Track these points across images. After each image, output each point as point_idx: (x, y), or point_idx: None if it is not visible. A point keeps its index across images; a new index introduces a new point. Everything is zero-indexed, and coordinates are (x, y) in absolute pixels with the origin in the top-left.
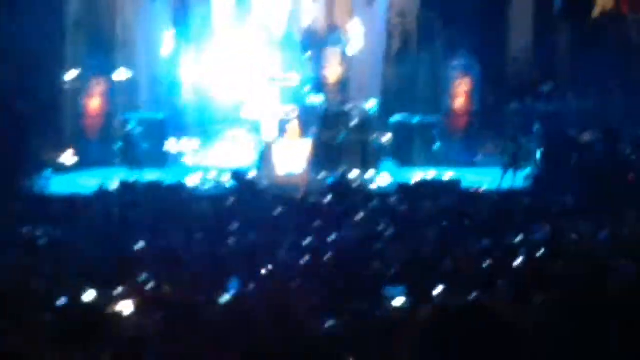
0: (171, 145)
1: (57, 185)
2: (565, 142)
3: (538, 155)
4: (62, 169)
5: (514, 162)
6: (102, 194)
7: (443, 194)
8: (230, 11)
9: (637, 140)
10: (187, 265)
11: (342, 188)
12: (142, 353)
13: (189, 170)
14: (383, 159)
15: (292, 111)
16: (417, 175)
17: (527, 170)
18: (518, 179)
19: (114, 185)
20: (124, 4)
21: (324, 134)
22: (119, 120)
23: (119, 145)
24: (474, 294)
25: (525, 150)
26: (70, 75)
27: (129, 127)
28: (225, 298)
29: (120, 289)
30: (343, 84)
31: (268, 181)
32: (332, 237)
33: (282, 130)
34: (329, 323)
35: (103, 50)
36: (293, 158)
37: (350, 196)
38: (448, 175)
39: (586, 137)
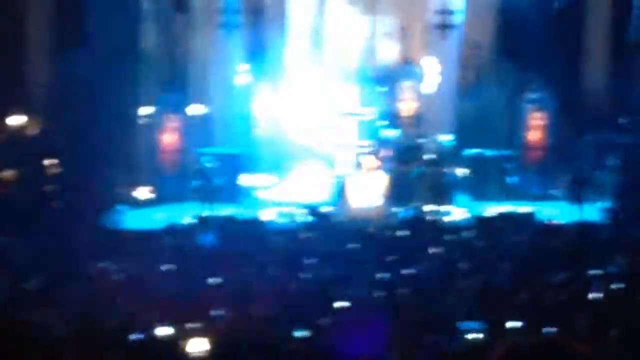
0: (246, 180)
1: (132, 220)
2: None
3: (614, 187)
4: (137, 204)
5: (580, 194)
6: (176, 229)
7: (519, 227)
8: (305, 45)
9: None
10: (263, 300)
11: (417, 222)
12: None
13: (264, 205)
14: (458, 193)
15: (367, 145)
16: (492, 209)
17: (604, 203)
18: (588, 211)
19: (189, 220)
20: (198, 39)
21: (399, 167)
22: (193, 155)
23: (194, 180)
24: (549, 329)
25: (596, 182)
26: (146, 111)
27: (204, 162)
28: (301, 333)
29: (194, 325)
30: (418, 118)
31: (344, 215)
32: (408, 271)
33: (357, 165)
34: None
35: (177, 85)
36: (368, 192)
37: (425, 230)
38: (523, 208)
39: None
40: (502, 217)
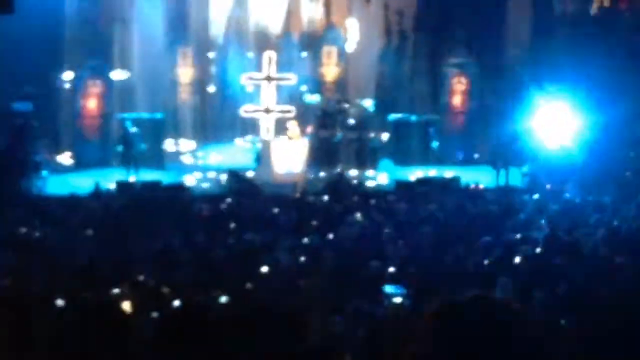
0: (169, 145)
1: (54, 185)
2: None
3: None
4: (59, 169)
5: (502, 159)
6: (99, 194)
7: (442, 191)
8: (227, 10)
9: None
10: (185, 265)
11: (340, 187)
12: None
13: (186, 170)
14: (381, 158)
15: (290, 110)
16: (415, 173)
17: (525, 168)
18: (510, 175)
19: (111, 185)
20: (122, 5)
21: (322, 132)
22: (116, 121)
23: (117, 146)
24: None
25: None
26: (67, 76)
27: (127, 127)
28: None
29: (118, 289)
30: (340, 83)
31: (267, 180)
32: (330, 236)
33: (280, 130)
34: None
35: (99, 51)
36: (291, 157)
37: (349, 195)
38: (447, 173)
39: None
40: (425, 181)
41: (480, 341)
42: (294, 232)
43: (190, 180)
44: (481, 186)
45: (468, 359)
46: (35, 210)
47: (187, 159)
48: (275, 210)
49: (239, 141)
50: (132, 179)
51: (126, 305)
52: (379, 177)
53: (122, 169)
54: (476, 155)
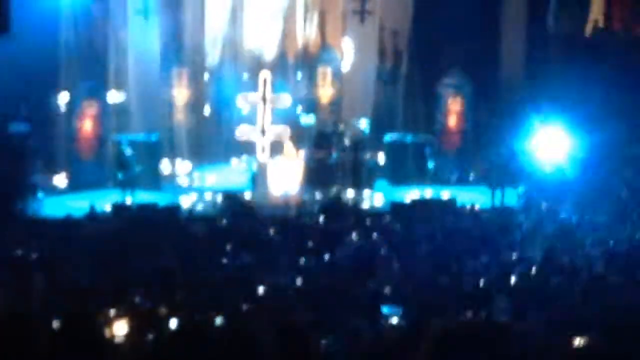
0: (164, 166)
1: (50, 207)
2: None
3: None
4: (54, 191)
5: (498, 179)
6: (95, 216)
7: (437, 212)
8: (222, 31)
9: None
10: (181, 286)
11: (335, 207)
12: None
13: (182, 191)
14: (376, 178)
15: (285, 131)
16: (410, 194)
17: (520, 188)
18: (505, 196)
19: (107, 207)
20: (116, 27)
21: (317, 153)
22: (112, 142)
23: (113, 167)
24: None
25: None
26: (63, 98)
27: (123, 149)
28: (220, 320)
29: (114, 310)
30: (335, 104)
31: (261, 201)
32: (326, 256)
33: (276, 151)
34: (326, 340)
35: (95, 72)
36: (286, 178)
37: (344, 215)
38: (442, 193)
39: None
40: (421, 202)
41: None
42: (289, 252)
43: (186, 201)
44: (477, 206)
45: None
46: (32, 231)
47: (182, 180)
48: (271, 231)
49: (234, 162)
50: (128, 200)
51: (122, 327)
52: (374, 198)
53: (117, 190)
54: (472, 176)
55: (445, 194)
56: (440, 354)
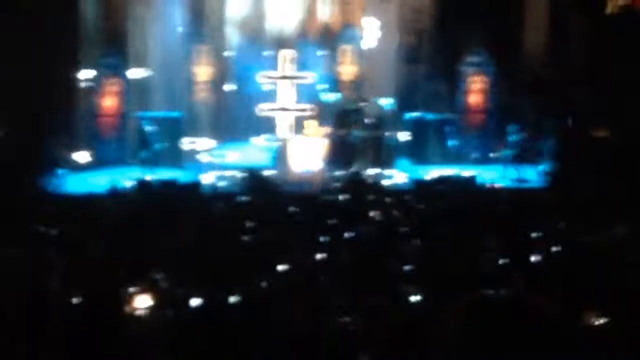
0: (186, 144)
1: (71, 184)
2: (581, 138)
3: (553, 151)
4: (76, 168)
5: (520, 158)
6: (116, 193)
7: (459, 191)
8: (245, 7)
9: None
10: (202, 263)
11: (357, 185)
12: (156, 352)
13: (204, 168)
14: (398, 157)
15: (308, 109)
16: (432, 172)
17: (544, 167)
18: (527, 173)
19: (128, 183)
20: (137, 3)
21: (339, 131)
22: (133, 119)
23: (134, 144)
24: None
25: (536, 146)
26: (85, 74)
27: (144, 126)
28: (238, 298)
29: (134, 288)
30: (358, 82)
31: (283, 178)
32: (348, 234)
33: (298, 128)
34: (347, 320)
35: (117, 48)
36: (308, 156)
37: (366, 194)
38: (464, 172)
39: (602, 132)
40: (443, 180)
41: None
42: (311, 230)
43: (207, 178)
44: (498, 185)
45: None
46: (53, 208)
47: (204, 158)
48: (292, 208)
49: (256, 140)
50: (149, 177)
51: (142, 304)
52: (396, 176)
53: (139, 168)
54: (494, 154)
55: (467, 173)
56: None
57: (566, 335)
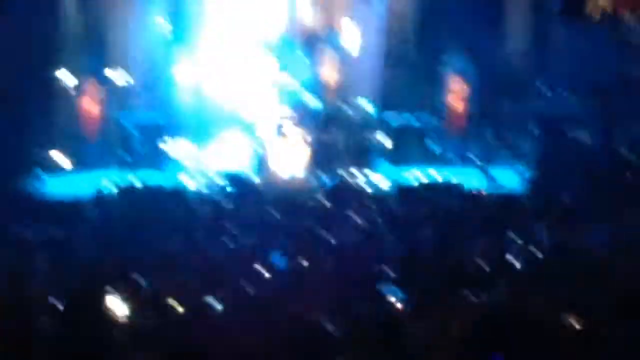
0: (168, 147)
1: (52, 187)
2: (563, 142)
3: (535, 156)
4: (57, 170)
5: (500, 162)
6: (98, 196)
7: (440, 194)
8: (226, 9)
9: (634, 139)
10: (185, 268)
11: (339, 189)
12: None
13: (185, 172)
14: (380, 160)
15: (289, 113)
16: (414, 175)
17: (525, 172)
18: (508, 179)
19: (110, 187)
20: (118, 3)
21: (322, 135)
22: (114, 121)
23: (115, 147)
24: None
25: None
26: (66, 76)
27: (125, 128)
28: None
29: (116, 292)
30: (340, 86)
31: (266, 183)
32: (331, 239)
33: (279, 132)
34: (329, 323)
35: (98, 50)
36: (291, 160)
37: (348, 197)
38: (445, 175)
39: (583, 137)
40: (424, 184)
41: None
42: (293, 235)
43: (189, 182)
44: (482, 190)
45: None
46: (34, 211)
47: (186, 161)
48: (276, 213)
49: (238, 144)
50: (132, 181)
51: (124, 308)
52: (379, 180)
53: (121, 170)
54: (475, 158)
55: (449, 176)
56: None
57: (549, 338)
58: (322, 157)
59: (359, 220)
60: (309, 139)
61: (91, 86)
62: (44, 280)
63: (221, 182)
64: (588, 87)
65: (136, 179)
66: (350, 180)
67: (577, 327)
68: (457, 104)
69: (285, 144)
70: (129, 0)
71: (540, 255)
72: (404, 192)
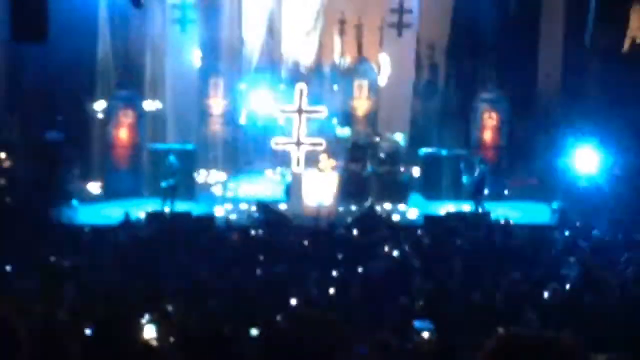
0: (200, 176)
1: (84, 215)
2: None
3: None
4: (89, 199)
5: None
6: (129, 224)
7: (471, 227)
8: (259, 42)
9: None
10: (214, 296)
11: (369, 220)
12: None
13: (217, 201)
14: (411, 192)
15: (321, 143)
16: (445, 208)
17: (556, 204)
18: (540, 211)
19: (141, 215)
20: (153, 36)
21: (352, 166)
22: (147, 151)
23: (148, 176)
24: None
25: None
26: (99, 106)
27: (159, 158)
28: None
29: (146, 318)
30: (371, 116)
31: (296, 212)
32: (359, 269)
33: (311, 162)
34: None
35: (132, 81)
36: (321, 189)
37: (378, 228)
38: (475, 207)
39: (614, 170)
40: (454, 216)
41: None
42: (323, 264)
43: (220, 211)
44: (511, 221)
45: None
46: (66, 239)
47: (217, 190)
48: (305, 242)
49: (269, 173)
50: (167, 209)
51: (153, 335)
52: (408, 211)
53: (158, 199)
54: (506, 191)
55: (479, 208)
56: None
57: None
58: (352, 188)
59: (387, 250)
60: (340, 169)
61: (124, 115)
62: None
63: (251, 210)
64: (620, 120)
65: (171, 207)
66: (379, 210)
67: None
68: (489, 136)
69: (317, 174)
70: (163, 32)
71: (570, 289)
72: (434, 223)
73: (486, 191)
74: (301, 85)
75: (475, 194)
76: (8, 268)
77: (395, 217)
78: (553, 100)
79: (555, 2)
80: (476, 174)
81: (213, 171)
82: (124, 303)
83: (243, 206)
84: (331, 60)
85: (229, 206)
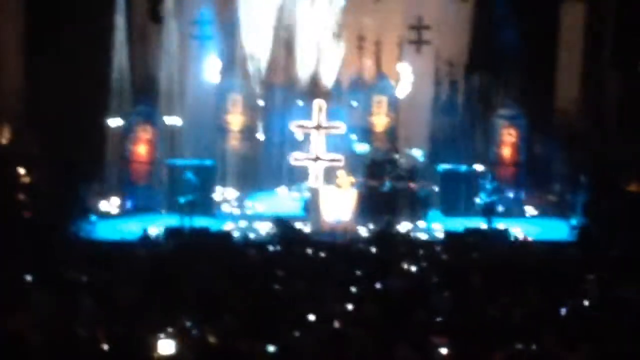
0: (217, 192)
1: (102, 230)
2: (613, 192)
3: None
4: (107, 215)
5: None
6: (147, 240)
7: (490, 243)
8: (277, 58)
9: None
10: (232, 312)
11: (388, 236)
12: None
13: (235, 217)
14: (430, 208)
15: (339, 159)
16: (463, 224)
17: (575, 221)
18: (558, 228)
19: (160, 231)
20: (172, 52)
21: (371, 182)
22: (165, 167)
23: (166, 192)
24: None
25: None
26: (117, 121)
27: (176, 174)
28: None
29: (163, 334)
30: (390, 133)
31: (314, 228)
32: (377, 285)
33: (329, 179)
34: None
35: (150, 96)
36: (339, 206)
37: (396, 245)
38: (494, 224)
39: (634, 187)
40: (473, 232)
41: None
42: (341, 280)
43: (238, 227)
44: (529, 238)
45: None
46: (84, 254)
47: (235, 206)
48: (323, 258)
49: (287, 189)
50: (185, 224)
51: (171, 350)
52: (427, 228)
53: (176, 214)
54: (525, 207)
55: (498, 225)
56: None
57: None
58: (371, 204)
59: (405, 266)
60: (359, 185)
61: (142, 131)
62: (93, 322)
63: (269, 226)
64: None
65: (190, 222)
66: (397, 226)
67: None
68: (508, 153)
69: (335, 190)
70: (182, 48)
71: (589, 306)
72: (452, 239)
73: (500, 208)
74: (320, 102)
75: (486, 212)
76: (28, 278)
77: (414, 233)
78: (571, 117)
79: (575, 18)
80: (488, 192)
81: (230, 187)
82: (142, 319)
83: (260, 222)
84: (350, 76)
85: (246, 222)
